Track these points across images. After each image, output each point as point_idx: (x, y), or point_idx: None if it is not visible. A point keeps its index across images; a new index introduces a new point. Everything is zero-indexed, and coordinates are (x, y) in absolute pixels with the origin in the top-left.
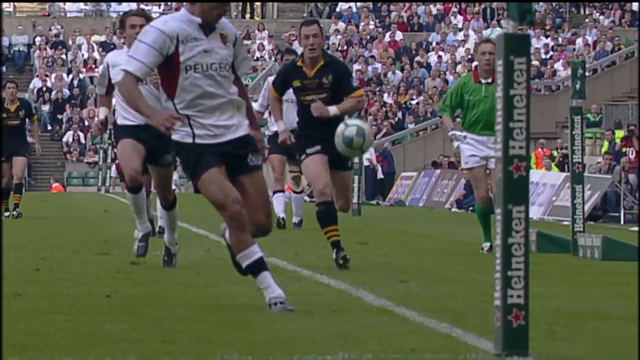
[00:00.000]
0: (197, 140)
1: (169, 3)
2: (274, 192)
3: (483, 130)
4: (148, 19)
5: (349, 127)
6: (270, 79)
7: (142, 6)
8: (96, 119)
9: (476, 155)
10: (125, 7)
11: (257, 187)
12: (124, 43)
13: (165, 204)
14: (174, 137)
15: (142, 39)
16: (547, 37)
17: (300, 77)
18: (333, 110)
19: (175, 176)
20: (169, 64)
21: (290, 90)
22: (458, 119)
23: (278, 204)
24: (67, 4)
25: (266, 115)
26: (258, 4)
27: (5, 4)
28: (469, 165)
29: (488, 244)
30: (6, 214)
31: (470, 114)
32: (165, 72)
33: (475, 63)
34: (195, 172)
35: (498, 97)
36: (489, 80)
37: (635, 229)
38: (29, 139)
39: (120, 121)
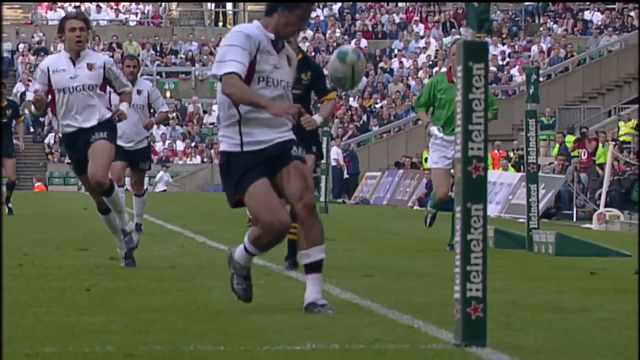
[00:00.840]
0: (245, 148)
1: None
2: None
3: (452, 130)
4: (87, 22)
5: (346, 48)
6: None
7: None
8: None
9: (444, 157)
10: (104, 15)
11: (299, 171)
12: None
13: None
14: (222, 147)
15: (231, 43)
16: (504, 44)
17: None
18: (319, 120)
19: (166, 177)
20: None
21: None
22: None
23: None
24: (49, 13)
25: None
26: (230, 13)
27: None
28: (436, 166)
29: (450, 243)
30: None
31: (441, 112)
32: None
33: (448, 63)
34: (240, 185)
35: (458, 101)
36: None
37: (588, 225)
38: (14, 141)
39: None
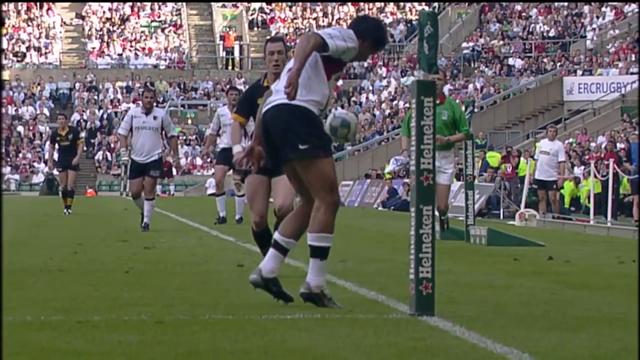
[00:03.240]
0: None
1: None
2: (217, 195)
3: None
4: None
5: (336, 119)
6: (220, 109)
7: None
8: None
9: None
10: (141, 61)
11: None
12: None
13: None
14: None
15: (345, 35)
16: (447, 83)
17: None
18: None
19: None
20: None
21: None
22: None
23: (220, 204)
24: (99, 59)
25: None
26: (237, 58)
27: (52, 57)
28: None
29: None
30: (65, 211)
31: None
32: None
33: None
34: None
35: (412, 127)
36: (437, 102)
37: (512, 222)
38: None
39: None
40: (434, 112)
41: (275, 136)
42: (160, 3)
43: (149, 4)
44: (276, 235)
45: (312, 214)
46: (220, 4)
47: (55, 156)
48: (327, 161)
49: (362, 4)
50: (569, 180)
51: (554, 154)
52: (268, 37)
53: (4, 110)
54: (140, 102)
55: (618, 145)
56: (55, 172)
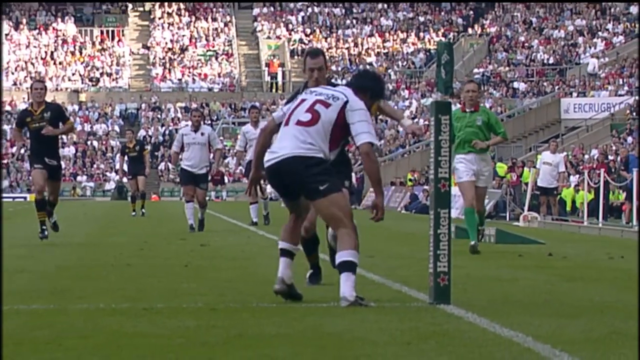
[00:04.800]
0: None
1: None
2: (250, 203)
3: (469, 149)
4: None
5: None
6: (244, 127)
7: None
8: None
9: (468, 171)
10: (198, 85)
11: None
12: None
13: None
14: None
15: (369, 118)
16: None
17: None
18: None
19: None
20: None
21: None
22: None
23: (253, 212)
24: (162, 83)
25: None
26: (280, 82)
27: (122, 82)
28: (461, 180)
29: (472, 241)
30: (132, 213)
31: (457, 136)
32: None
33: (462, 99)
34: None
35: (430, 141)
36: (472, 110)
37: (516, 223)
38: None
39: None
40: (450, 128)
41: (293, 181)
42: (215, 36)
43: (203, 36)
44: (284, 245)
45: (339, 238)
46: (265, 35)
47: (125, 167)
48: (344, 193)
49: (387, 34)
50: (567, 187)
51: (555, 165)
52: (308, 49)
53: (79, 127)
54: (190, 121)
55: (608, 157)
56: (124, 180)
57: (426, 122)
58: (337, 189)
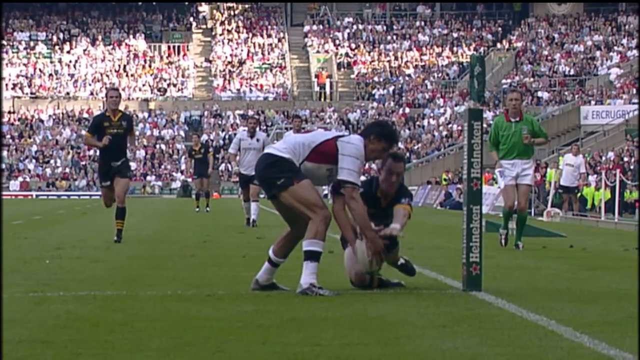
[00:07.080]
0: None
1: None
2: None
3: (514, 156)
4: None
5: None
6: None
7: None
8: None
9: (509, 176)
10: (254, 94)
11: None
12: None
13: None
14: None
15: (358, 156)
16: (489, 111)
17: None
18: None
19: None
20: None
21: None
22: None
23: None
24: (222, 92)
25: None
26: (328, 92)
27: (187, 92)
28: (505, 184)
29: (520, 243)
30: (196, 209)
31: (503, 145)
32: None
33: (505, 107)
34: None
35: (464, 145)
36: (517, 119)
37: (540, 219)
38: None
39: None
40: (481, 132)
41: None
42: (270, 50)
43: (259, 50)
44: (270, 254)
45: (308, 226)
46: (315, 50)
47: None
48: (302, 185)
49: (424, 49)
50: (588, 186)
51: (576, 167)
52: (391, 153)
53: (148, 132)
54: (246, 127)
55: (623, 159)
56: (189, 180)
57: (459, 128)
58: (291, 183)
